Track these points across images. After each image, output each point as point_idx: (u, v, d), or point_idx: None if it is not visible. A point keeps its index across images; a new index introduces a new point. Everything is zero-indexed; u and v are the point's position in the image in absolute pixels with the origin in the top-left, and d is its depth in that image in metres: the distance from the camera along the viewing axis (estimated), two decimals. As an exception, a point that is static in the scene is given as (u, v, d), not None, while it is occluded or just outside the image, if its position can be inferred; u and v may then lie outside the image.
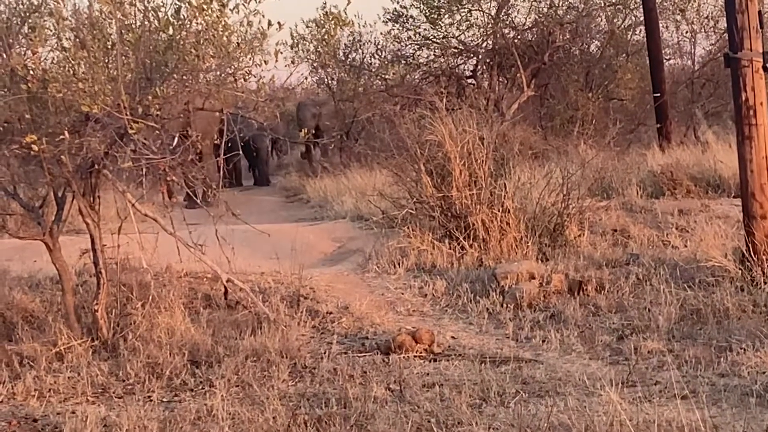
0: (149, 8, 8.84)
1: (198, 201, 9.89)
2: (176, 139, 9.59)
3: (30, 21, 8.90)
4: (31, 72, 8.44)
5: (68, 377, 8.31)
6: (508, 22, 24.98)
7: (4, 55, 8.78)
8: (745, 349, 8.25)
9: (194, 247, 9.73)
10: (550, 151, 21.03)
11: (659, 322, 9.27)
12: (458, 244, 12.42)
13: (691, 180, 16.78)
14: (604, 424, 6.22)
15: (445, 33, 25.06)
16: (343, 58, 26.38)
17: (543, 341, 9.16)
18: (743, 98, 10.34)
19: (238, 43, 9.05)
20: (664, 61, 24.98)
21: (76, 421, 7.08)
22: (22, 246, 12.13)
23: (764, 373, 7.71)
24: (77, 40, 8.80)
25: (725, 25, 11.81)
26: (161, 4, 8.88)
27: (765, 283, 9.99)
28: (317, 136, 24.43)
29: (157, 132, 8.74)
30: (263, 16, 8.96)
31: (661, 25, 24.75)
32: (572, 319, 9.66)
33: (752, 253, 10.28)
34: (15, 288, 10.71)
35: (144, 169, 9.25)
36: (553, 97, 25.78)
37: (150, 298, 9.67)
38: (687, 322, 9.32)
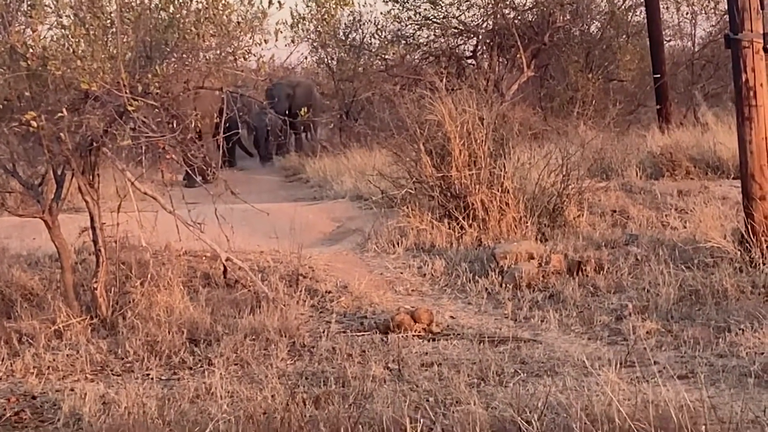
0: (149, -14, 8.84)
1: (197, 179, 9.89)
2: (193, 120, 9.55)
3: (29, -2, 8.89)
4: (31, 49, 8.42)
5: (67, 355, 8.32)
6: (508, 3, 24.89)
7: (4, 33, 8.77)
8: (743, 330, 8.27)
9: (193, 225, 9.73)
10: (549, 132, 20.99)
11: (658, 302, 9.29)
12: (457, 223, 12.42)
13: (690, 161, 16.75)
14: (602, 404, 6.22)
15: (446, 13, 25.01)
16: (343, 38, 26.34)
17: (542, 321, 9.17)
18: (743, 79, 10.33)
19: (238, 21, 9.05)
20: (665, 42, 24.92)
21: (75, 399, 7.10)
22: (21, 224, 12.13)
23: (762, 353, 7.72)
24: (77, 17, 8.78)
25: (726, 6, 11.80)
26: (162, -18, 8.88)
27: (764, 264, 10.00)
28: (293, 116, 24.30)
29: (157, 110, 8.73)
30: (263, -5, 8.96)
31: (661, 6, 24.68)
32: (571, 300, 9.67)
33: (751, 234, 10.28)
34: (14, 266, 10.71)
35: (143, 148, 9.26)
36: (553, 78, 25.75)
37: (149, 276, 9.69)
38: (686, 303, 9.33)
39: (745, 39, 10.25)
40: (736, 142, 10.85)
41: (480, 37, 25.45)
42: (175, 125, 9.13)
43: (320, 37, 25.98)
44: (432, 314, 9.13)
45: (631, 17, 26.33)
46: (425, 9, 25.04)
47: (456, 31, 25.38)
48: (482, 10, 24.92)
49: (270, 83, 25.23)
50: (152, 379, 7.79)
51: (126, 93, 8.20)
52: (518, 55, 23.72)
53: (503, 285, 10.28)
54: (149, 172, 11.57)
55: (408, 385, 7.31)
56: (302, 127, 27.44)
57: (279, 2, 9.02)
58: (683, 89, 26.33)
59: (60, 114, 8.32)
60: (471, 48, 26.05)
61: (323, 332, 8.87)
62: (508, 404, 6.66)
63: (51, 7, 8.91)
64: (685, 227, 12.29)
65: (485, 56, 25.72)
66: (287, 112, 25.64)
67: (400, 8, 25.22)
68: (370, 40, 26.23)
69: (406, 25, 25.49)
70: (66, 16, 8.89)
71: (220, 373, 7.52)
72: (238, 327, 8.80)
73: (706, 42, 26.55)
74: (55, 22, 8.97)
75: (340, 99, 27.01)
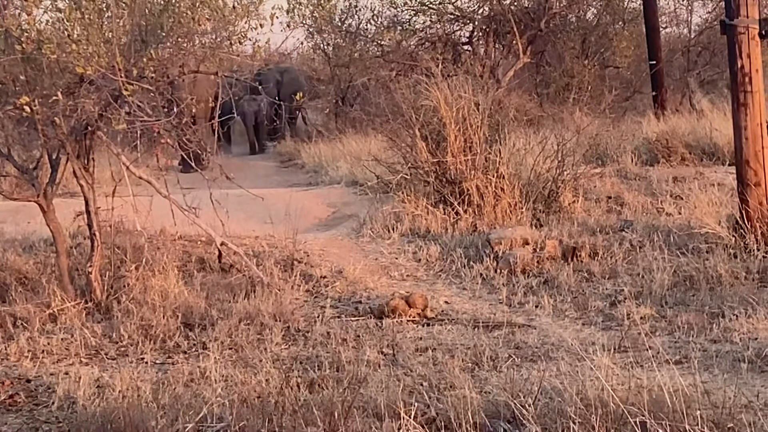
0: (144, -30, 8.83)
1: (192, 164, 9.88)
2: (188, 105, 9.52)
3: (25, -18, 8.86)
4: (26, 33, 8.41)
5: (62, 339, 8.34)
6: (505, -12, 24.86)
7: (-1, 17, 8.76)
8: (737, 316, 8.29)
9: (188, 210, 9.73)
10: (545, 118, 20.97)
11: (652, 288, 9.30)
12: (452, 209, 12.42)
13: (685, 147, 16.73)
14: (595, 389, 6.22)
15: (442, -1, 24.97)
16: (339, 24, 26.27)
17: (536, 306, 9.19)
18: (739, 65, 10.33)
19: (233, 6, 9.04)
20: (661, 28, 24.88)
21: (70, 382, 7.11)
22: (16, 208, 12.13)
23: (756, 339, 7.74)
24: (72, 1, 8.77)
25: (722, -8, 11.79)
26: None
27: (758, 250, 10.02)
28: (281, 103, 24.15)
29: (152, 94, 8.72)
30: (259, -21, 8.95)
31: (657, -8, 24.64)
32: (565, 285, 9.68)
33: (746, 221, 10.30)
34: (9, 250, 10.73)
35: (139, 132, 9.25)
36: (549, 64, 25.67)
37: (144, 260, 9.69)
38: (680, 289, 9.35)
39: (741, 25, 10.25)
40: (731, 129, 10.86)
41: (476, 23, 25.38)
42: (173, 109, 9.13)
43: (316, 23, 25.90)
44: (427, 299, 9.14)
45: (628, 3, 26.27)
46: (422, -5, 24.99)
47: (452, 16, 25.31)
48: (478, -5, 24.88)
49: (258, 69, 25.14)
50: (147, 363, 7.80)
51: (121, 77, 8.20)
52: (514, 42, 23.65)
53: (498, 270, 10.28)
54: (144, 157, 11.55)
55: (402, 369, 7.33)
56: (297, 112, 27.35)
57: (275, -13, 9.02)
58: (679, 76, 26.25)
59: (55, 98, 8.31)
60: (467, 34, 25.99)
61: (318, 317, 8.88)
62: (502, 389, 6.67)
63: (46, -9, 8.91)
64: (680, 213, 12.30)
65: (481, 42, 25.65)
66: (276, 98, 25.53)
67: (397, -6, 25.16)
68: (366, 25, 26.15)
69: (403, 11, 25.42)
70: (61, -1, 8.89)
71: (215, 358, 7.54)
72: (233, 311, 8.81)
73: (702, 28, 26.49)
74: (51, 6, 8.97)
75: (336, 85, 26.93)
